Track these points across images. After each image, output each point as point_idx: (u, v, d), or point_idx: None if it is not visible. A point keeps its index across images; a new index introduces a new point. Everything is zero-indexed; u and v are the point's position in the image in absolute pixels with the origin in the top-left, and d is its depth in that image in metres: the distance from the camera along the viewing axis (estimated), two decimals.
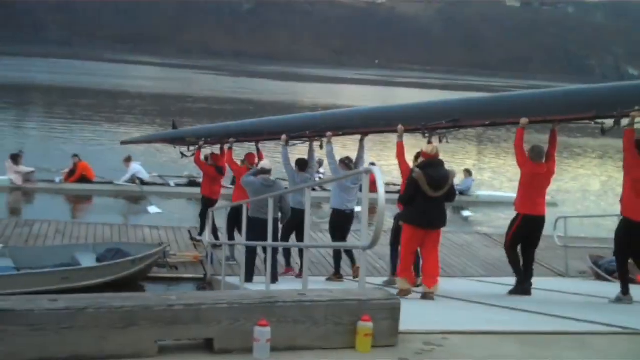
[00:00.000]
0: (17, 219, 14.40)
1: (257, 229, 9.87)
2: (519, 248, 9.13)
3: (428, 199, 8.19)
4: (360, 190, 13.24)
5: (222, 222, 12.96)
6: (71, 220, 15.63)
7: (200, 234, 13.67)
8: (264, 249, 10.45)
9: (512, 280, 9.21)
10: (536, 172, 8.76)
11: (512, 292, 8.94)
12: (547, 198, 22.05)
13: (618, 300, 8.06)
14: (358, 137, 11.29)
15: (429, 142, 9.39)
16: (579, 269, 12.79)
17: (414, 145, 10.44)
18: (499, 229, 15.69)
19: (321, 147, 11.36)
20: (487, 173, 27.92)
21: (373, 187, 5.05)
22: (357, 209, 11.19)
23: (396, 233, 9.59)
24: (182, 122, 23.98)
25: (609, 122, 8.32)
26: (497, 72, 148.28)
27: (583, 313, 6.51)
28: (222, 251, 11.72)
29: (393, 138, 10.00)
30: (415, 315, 5.75)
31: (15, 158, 18.74)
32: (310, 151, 11.75)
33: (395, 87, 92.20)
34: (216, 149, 14.02)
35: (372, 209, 5.81)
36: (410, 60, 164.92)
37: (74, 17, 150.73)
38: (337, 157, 11.15)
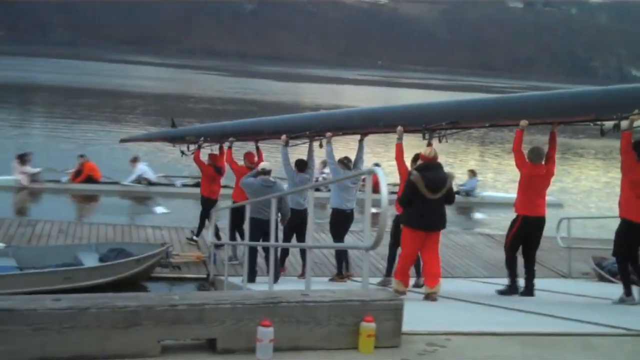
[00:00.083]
0: (20, 219, 14.40)
1: (256, 229, 9.90)
2: (519, 250, 9.16)
3: (426, 201, 8.22)
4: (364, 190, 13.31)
5: (223, 222, 13.01)
6: (74, 220, 15.64)
7: (198, 234, 13.67)
8: (264, 249, 10.49)
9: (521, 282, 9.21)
10: (535, 173, 8.78)
11: (501, 292, 9.02)
12: (553, 199, 22.13)
13: (621, 301, 8.06)
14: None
15: (429, 144, 9.40)
16: (582, 270, 12.77)
17: (417, 146, 10.41)
18: (504, 230, 15.69)
19: (320, 146, 11.39)
20: (490, 174, 27.88)
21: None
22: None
23: (395, 234, 9.60)
24: (185, 122, 23.99)
25: (609, 124, 8.36)
26: (500, 73, 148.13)
27: (586, 314, 6.50)
28: (224, 251, 11.74)
29: (394, 138, 10.00)
30: (418, 316, 5.75)
31: (22, 158, 18.79)
32: (310, 151, 11.77)
33: (398, 87, 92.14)
34: (215, 149, 14.02)
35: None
36: (413, 61, 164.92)
37: (79, 18, 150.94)
38: (336, 157, 11.18)
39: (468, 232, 17.03)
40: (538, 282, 9.21)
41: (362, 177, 10.48)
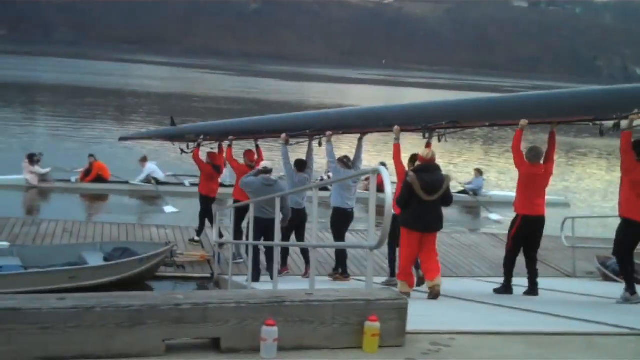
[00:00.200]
0: (24, 218, 14.42)
1: (257, 228, 9.92)
2: (520, 250, 9.19)
3: (423, 202, 8.28)
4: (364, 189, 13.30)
5: (225, 222, 13.01)
6: (83, 219, 15.66)
7: (199, 234, 13.69)
8: (265, 248, 10.52)
9: (520, 281, 9.22)
10: (534, 172, 8.82)
11: (497, 291, 9.09)
12: (560, 198, 21.99)
13: (626, 300, 8.06)
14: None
15: (428, 144, 9.43)
16: (586, 270, 12.76)
17: (418, 145, 10.43)
18: None
19: (320, 145, 11.43)
20: (494, 173, 27.87)
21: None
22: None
23: (392, 234, 9.62)
24: (188, 122, 24.03)
25: (608, 123, 8.38)
26: (504, 72, 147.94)
27: (590, 314, 6.49)
28: (227, 250, 11.75)
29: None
30: (422, 315, 5.75)
31: (32, 158, 18.87)
32: (309, 151, 11.79)
33: (402, 87, 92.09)
34: (215, 147, 14.05)
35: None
36: (417, 60, 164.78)
37: (82, 18, 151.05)
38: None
39: (472, 232, 17.01)
40: (542, 282, 9.22)
41: (365, 176, 10.49)
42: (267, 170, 10.85)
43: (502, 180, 26.20)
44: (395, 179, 9.15)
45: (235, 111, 41.46)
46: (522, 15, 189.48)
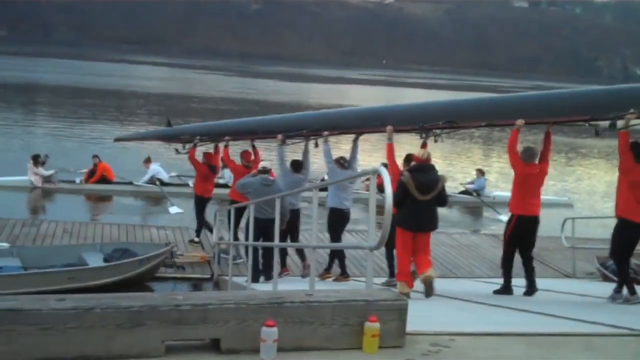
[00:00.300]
0: (24, 219, 14.42)
1: (256, 229, 9.93)
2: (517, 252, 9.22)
3: (417, 202, 8.34)
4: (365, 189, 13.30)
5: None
6: (83, 220, 15.67)
7: (198, 235, 13.70)
8: (263, 248, 10.53)
9: (519, 282, 9.23)
10: (528, 172, 8.86)
11: (497, 292, 9.11)
12: (563, 199, 21.92)
13: (626, 300, 8.08)
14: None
15: (423, 145, 9.46)
16: (586, 270, 12.76)
17: (416, 145, 10.45)
18: None
19: (316, 145, 11.45)
20: (494, 174, 27.88)
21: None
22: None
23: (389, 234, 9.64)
24: (188, 122, 24.04)
25: (603, 124, 8.41)
26: (504, 73, 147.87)
27: (590, 314, 6.50)
28: (226, 248, 11.78)
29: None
30: (422, 316, 5.75)
31: (36, 159, 18.89)
32: (306, 151, 11.81)
33: (402, 87, 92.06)
34: (211, 148, 14.07)
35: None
36: (417, 60, 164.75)
37: (81, 18, 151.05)
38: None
39: (472, 232, 17.00)
40: (542, 282, 9.24)
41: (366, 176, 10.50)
42: (265, 171, 10.89)
43: (502, 180, 26.21)
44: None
45: (234, 112, 41.43)
46: (523, 15, 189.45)
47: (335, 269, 11.37)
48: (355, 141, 11.37)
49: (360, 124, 11.09)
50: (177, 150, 14.39)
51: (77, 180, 19.52)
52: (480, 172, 21.43)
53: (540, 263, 13.49)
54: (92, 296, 4.10)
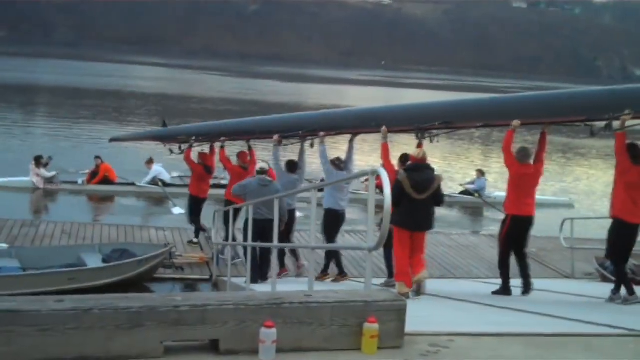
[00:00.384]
0: (23, 220, 14.42)
1: (253, 230, 9.94)
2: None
3: (413, 201, 8.42)
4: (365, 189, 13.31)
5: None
6: (86, 221, 15.68)
7: (197, 235, 13.71)
8: (261, 249, 10.54)
9: (518, 282, 9.24)
10: (523, 173, 8.91)
11: (496, 293, 9.12)
12: (564, 199, 21.91)
13: (625, 300, 8.09)
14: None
15: (419, 145, 9.51)
16: (585, 271, 12.77)
17: (413, 145, 10.48)
18: None
19: (312, 146, 11.47)
20: (493, 174, 27.89)
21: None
22: None
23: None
24: (187, 123, 24.08)
25: (599, 124, 8.45)
26: (504, 73, 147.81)
27: (589, 315, 6.50)
28: (225, 248, 11.81)
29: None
30: (421, 316, 5.75)
31: (38, 160, 18.90)
32: (301, 152, 11.82)
33: (402, 88, 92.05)
34: (206, 148, 14.08)
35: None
36: (417, 61, 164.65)
37: (81, 19, 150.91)
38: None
39: (471, 233, 17.01)
40: (541, 283, 9.27)
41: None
42: (263, 171, 10.91)
43: (502, 181, 26.19)
44: None
45: (233, 112, 41.42)
46: (522, 15, 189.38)
47: (334, 268, 11.38)
48: (351, 142, 11.40)
49: (357, 124, 11.13)
50: (171, 150, 14.41)
51: (80, 181, 19.57)
52: (481, 173, 21.44)
53: (539, 263, 13.52)
54: (91, 297, 4.10)
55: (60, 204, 18.42)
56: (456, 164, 28.06)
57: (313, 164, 13.52)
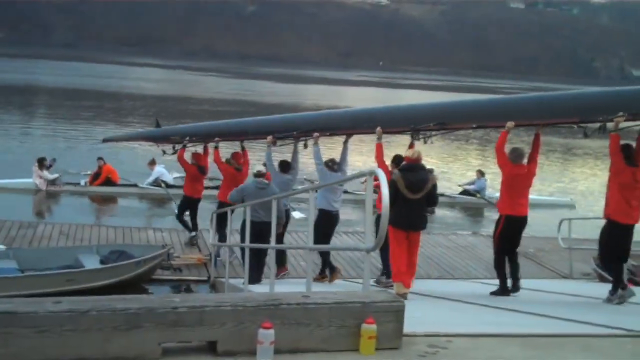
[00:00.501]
0: (21, 221, 14.40)
1: (250, 232, 9.93)
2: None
3: (407, 201, 8.47)
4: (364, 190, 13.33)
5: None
6: (82, 222, 15.67)
7: (195, 232, 13.72)
8: (258, 251, 10.54)
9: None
10: (516, 173, 8.96)
11: (493, 294, 9.13)
12: (565, 199, 21.88)
13: (620, 297, 8.14)
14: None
15: (411, 145, 9.54)
16: (583, 271, 12.77)
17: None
18: None
19: (305, 146, 11.47)
20: (490, 175, 27.91)
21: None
22: None
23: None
24: (184, 124, 24.10)
25: (592, 125, 8.52)
26: (502, 74, 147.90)
27: (587, 315, 6.50)
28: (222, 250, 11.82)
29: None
30: (419, 317, 5.75)
31: (41, 162, 18.89)
32: (294, 152, 11.82)
33: (400, 89, 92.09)
34: (199, 148, 14.09)
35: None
36: (415, 62, 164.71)
37: (80, 20, 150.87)
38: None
39: (470, 233, 17.01)
40: (539, 283, 9.28)
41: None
42: (260, 174, 10.90)
43: (499, 182, 26.19)
44: None
45: (231, 113, 41.38)
46: (519, 16, 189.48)
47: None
48: (345, 143, 11.40)
49: (351, 125, 11.15)
50: (164, 151, 14.41)
51: (82, 183, 19.57)
52: (481, 173, 21.45)
53: (537, 264, 13.53)
54: (89, 298, 4.10)
55: (63, 206, 18.41)
56: (453, 165, 28.09)
57: (308, 164, 13.52)
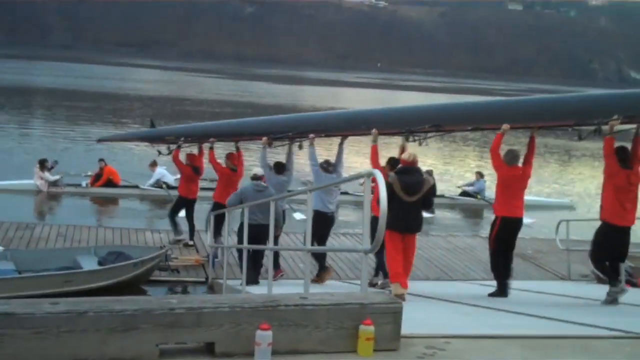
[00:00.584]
0: (18, 222, 14.38)
1: (248, 235, 9.93)
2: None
3: (403, 203, 8.47)
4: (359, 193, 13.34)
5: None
6: (78, 223, 15.66)
7: (191, 237, 13.69)
8: (255, 253, 10.54)
9: (515, 284, 9.26)
10: (511, 175, 8.97)
11: (492, 295, 9.13)
12: (564, 201, 21.86)
13: (616, 293, 8.16)
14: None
15: (401, 148, 9.55)
16: (581, 273, 12.76)
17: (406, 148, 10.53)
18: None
19: (300, 147, 11.47)
20: (488, 177, 27.93)
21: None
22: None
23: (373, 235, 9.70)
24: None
25: (588, 128, 8.54)
26: (500, 75, 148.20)
27: (585, 317, 6.50)
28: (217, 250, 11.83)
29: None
30: (417, 319, 5.74)
31: (42, 164, 18.88)
32: (289, 154, 11.81)
33: (397, 90, 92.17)
34: (194, 149, 14.10)
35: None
36: (412, 63, 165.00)
37: (77, 21, 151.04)
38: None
39: (468, 235, 17.01)
40: (538, 285, 9.28)
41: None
42: (257, 177, 10.90)
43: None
44: None
45: (229, 114, 41.40)
46: (517, 18, 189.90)
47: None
48: (341, 145, 11.39)
49: (347, 126, 11.16)
50: (159, 151, 14.39)
51: (84, 184, 19.56)
52: (480, 175, 21.46)
53: (536, 265, 13.53)
54: (86, 300, 4.09)
55: (64, 207, 18.41)
56: (451, 166, 28.11)
57: (305, 165, 13.51)
